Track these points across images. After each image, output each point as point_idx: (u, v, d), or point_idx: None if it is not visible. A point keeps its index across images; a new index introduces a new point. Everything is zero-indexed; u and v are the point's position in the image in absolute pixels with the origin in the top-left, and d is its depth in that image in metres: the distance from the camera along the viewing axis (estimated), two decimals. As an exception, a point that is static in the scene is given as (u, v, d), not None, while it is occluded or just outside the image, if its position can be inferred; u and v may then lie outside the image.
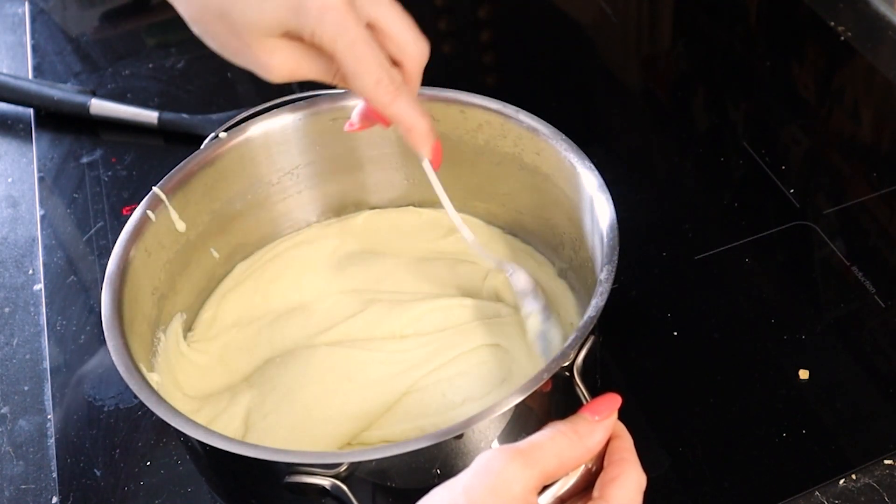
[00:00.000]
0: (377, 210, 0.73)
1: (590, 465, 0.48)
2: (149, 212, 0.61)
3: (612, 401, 0.49)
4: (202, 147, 0.64)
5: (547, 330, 0.63)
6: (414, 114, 0.54)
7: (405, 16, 0.54)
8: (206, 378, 0.65)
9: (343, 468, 0.49)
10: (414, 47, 0.54)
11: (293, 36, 0.51)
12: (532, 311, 0.63)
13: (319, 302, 0.69)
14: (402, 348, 0.64)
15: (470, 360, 0.63)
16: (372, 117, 0.57)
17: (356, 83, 0.52)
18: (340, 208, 0.73)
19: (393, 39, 0.53)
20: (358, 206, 0.73)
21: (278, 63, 0.52)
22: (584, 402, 0.51)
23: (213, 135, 0.65)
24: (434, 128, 0.56)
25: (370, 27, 0.52)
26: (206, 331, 0.67)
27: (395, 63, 0.54)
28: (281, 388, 0.63)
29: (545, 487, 0.46)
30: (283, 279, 0.71)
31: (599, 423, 0.48)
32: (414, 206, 0.73)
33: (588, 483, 0.47)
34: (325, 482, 0.49)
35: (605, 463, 0.48)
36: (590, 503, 0.46)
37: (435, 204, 0.72)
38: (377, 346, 0.64)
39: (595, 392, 0.52)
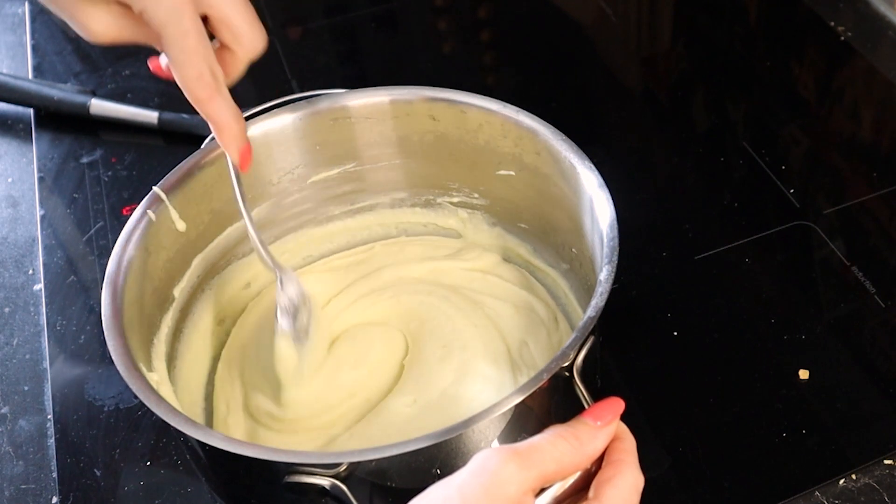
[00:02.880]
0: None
1: (589, 466, 0.48)
2: (149, 211, 0.61)
3: (615, 406, 0.48)
4: (203, 146, 0.64)
5: (293, 354, 0.61)
6: (228, 114, 0.54)
7: (247, 5, 0.53)
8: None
9: (342, 468, 0.49)
10: (250, 37, 0.54)
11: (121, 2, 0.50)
12: (284, 331, 0.61)
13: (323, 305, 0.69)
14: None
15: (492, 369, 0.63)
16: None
17: (177, 71, 0.52)
18: (340, 209, 0.73)
19: (230, 28, 0.53)
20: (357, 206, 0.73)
21: (100, 28, 0.51)
22: (584, 402, 0.51)
23: (213, 134, 0.65)
24: (244, 130, 0.56)
25: (207, 13, 0.52)
26: None
27: (226, 48, 0.54)
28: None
29: (542, 490, 0.46)
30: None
31: (601, 429, 0.47)
32: (419, 207, 0.73)
33: (587, 483, 0.47)
34: (325, 482, 0.49)
35: (604, 463, 0.47)
36: (584, 503, 0.46)
37: (431, 204, 0.73)
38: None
39: (595, 392, 0.51)
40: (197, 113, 0.85)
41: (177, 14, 0.49)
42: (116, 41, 0.52)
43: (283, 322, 0.61)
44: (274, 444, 0.61)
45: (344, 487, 0.49)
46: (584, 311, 0.53)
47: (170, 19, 0.49)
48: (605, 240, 0.56)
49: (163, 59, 0.55)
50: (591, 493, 0.46)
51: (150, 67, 0.56)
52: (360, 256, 0.73)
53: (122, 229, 0.60)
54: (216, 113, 0.54)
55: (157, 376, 0.59)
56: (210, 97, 0.53)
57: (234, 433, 0.62)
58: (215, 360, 0.68)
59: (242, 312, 0.70)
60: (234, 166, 0.58)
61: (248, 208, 0.60)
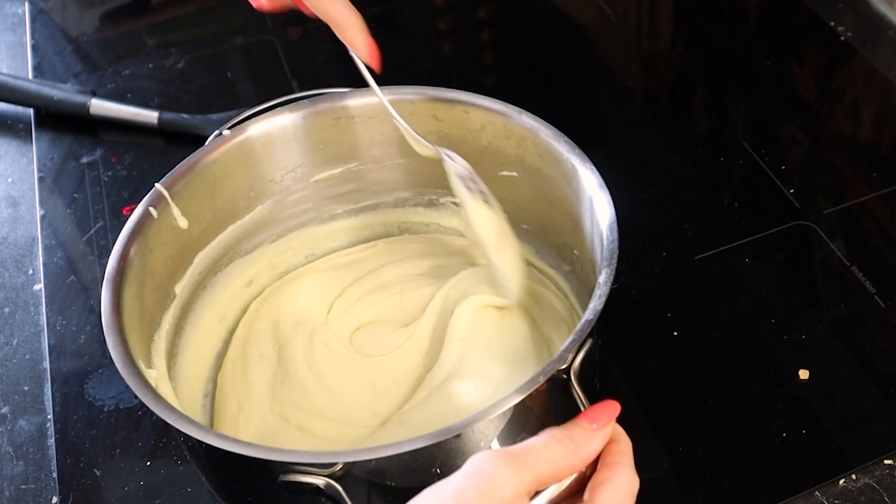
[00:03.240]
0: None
1: (584, 470, 0.48)
2: (151, 208, 0.61)
3: (611, 409, 0.48)
4: (206, 143, 0.65)
5: (490, 214, 0.63)
6: (348, 12, 0.57)
7: None
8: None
9: (338, 468, 0.49)
10: None
11: None
12: (471, 194, 0.63)
13: (323, 308, 0.70)
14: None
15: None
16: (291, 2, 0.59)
17: None
18: (342, 207, 0.73)
19: None
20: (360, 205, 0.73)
21: None
22: (581, 406, 0.51)
23: (216, 132, 0.65)
24: (366, 26, 0.58)
25: None
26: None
27: None
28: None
29: (538, 492, 0.46)
30: (284, 281, 0.71)
31: (596, 432, 0.47)
32: (422, 207, 0.73)
33: (582, 486, 0.47)
34: (320, 481, 0.49)
35: (599, 466, 0.47)
36: None
37: (433, 204, 0.73)
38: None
39: (594, 394, 0.51)
40: (197, 113, 0.87)
41: None
42: None
43: (466, 189, 0.62)
44: (299, 441, 0.62)
45: (339, 487, 0.49)
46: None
47: None
48: (605, 241, 0.56)
49: None
50: (586, 496, 0.46)
51: (254, 5, 0.60)
52: (362, 254, 0.73)
53: (122, 229, 0.60)
54: (336, 12, 0.57)
55: (157, 373, 0.59)
56: None
57: (244, 432, 0.62)
58: (217, 357, 0.68)
59: (244, 310, 0.70)
60: (364, 65, 0.60)
61: (388, 102, 0.62)
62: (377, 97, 0.61)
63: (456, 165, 0.62)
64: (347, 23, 0.57)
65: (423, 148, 0.63)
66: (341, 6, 0.57)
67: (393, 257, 0.72)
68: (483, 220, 0.62)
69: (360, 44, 0.58)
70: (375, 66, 0.60)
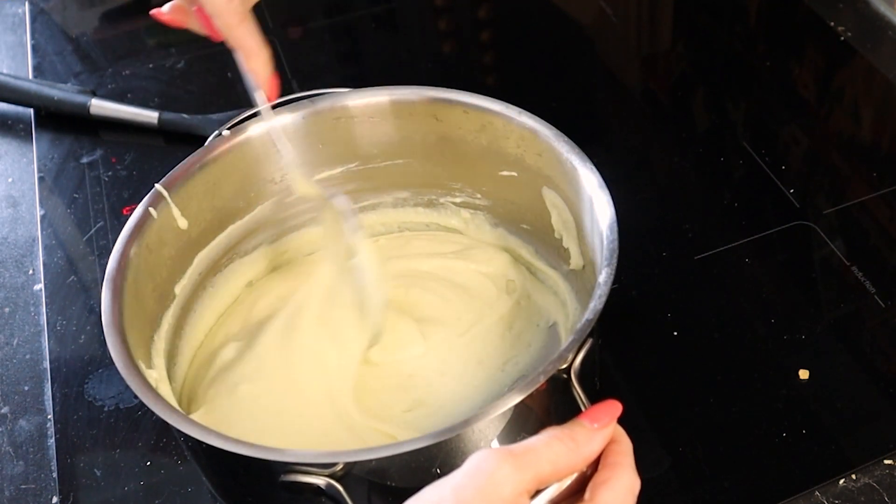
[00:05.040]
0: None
1: (585, 470, 0.48)
2: (151, 209, 0.61)
3: (613, 408, 0.48)
4: (206, 144, 0.65)
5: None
6: (257, 40, 0.58)
7: None
8: None
9: (339, 468, 0.49)
10: None
11: None
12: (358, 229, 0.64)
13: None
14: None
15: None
16: (202, 22, 0.58)
17: None
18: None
19: None
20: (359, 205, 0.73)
21: None
22: (582, 406, 0.51)
23: (216, 132, 0.65)
24: (270, 58, 0.59)
25: None
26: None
27: None
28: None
29: (538, 491, 0.46)
30: (283, 284, 0.71)
31: (597, 432, 0.47)
32: (422, 207, 0.73)
33: (583, 486, 0.47)
34: (321, 482, 0.49)
35: (600, 466, 0.47)
36: None
37: (433, 204, 0.73)
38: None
39: (594, 394, 0.51)
40: (197, 113, 0.87)
41: None
42: None
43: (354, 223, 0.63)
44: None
45: (339, 487, 0.49)
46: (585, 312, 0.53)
47: None
48: (605, 241, 0.56)
49: (165, 7, 0.59)
50: (586, 496, 0.46)
51: (152, 14, 0.61)
52: None
53: (122, 229, 0.60)
54: (245, 38, 0.57)
55: (157, 374, 0.59)
56: (240, 22, 0.56)
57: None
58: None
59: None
60: (262, 95, 0.60)
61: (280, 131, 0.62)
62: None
63: (341, 203, 0.63)
64: (255, 52, 0.58)
65: (309, 188, 0.64)
66: (252, 35, 0.57)
67: (396, 253, 0.72)
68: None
69: (262, 73, 0.59)
70: (272, 97, 0.61)
